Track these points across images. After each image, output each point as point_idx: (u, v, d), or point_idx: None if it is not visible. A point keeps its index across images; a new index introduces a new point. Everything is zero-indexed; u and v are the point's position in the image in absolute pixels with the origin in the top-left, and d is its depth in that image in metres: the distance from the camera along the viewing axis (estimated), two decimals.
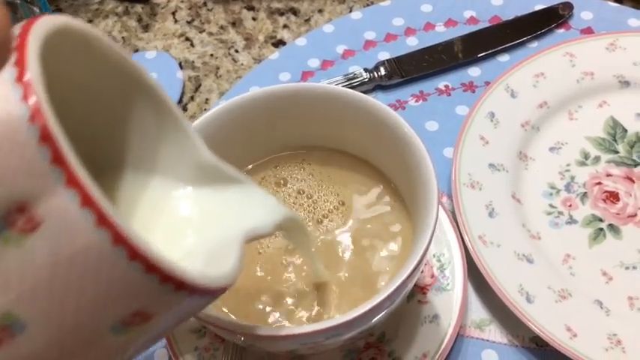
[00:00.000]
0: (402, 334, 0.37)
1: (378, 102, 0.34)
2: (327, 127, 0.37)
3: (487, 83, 0.49)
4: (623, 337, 0.36)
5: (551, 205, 0.42)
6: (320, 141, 0.38)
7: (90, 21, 0.58)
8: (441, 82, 0.50)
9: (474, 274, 0.39)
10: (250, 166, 0.38)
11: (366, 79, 0.49)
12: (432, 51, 0.51)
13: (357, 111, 0.34)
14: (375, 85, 0.50)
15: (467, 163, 0.42)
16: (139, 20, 0.58)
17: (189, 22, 0.57)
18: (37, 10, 0.43)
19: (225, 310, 0.33)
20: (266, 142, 0.38)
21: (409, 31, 0.53)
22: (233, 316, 0.33)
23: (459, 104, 0.48)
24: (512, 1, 0.53)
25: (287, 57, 0.52)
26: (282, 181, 0.38)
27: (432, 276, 0.39)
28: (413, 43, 0.52)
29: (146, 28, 0.57)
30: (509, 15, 0.53)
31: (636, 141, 0.43)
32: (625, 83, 0.46)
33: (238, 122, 0.36)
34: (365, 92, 0.49)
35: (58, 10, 0.59)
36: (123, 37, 0.57)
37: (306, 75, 0.51)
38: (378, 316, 0.30)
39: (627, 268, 0.39)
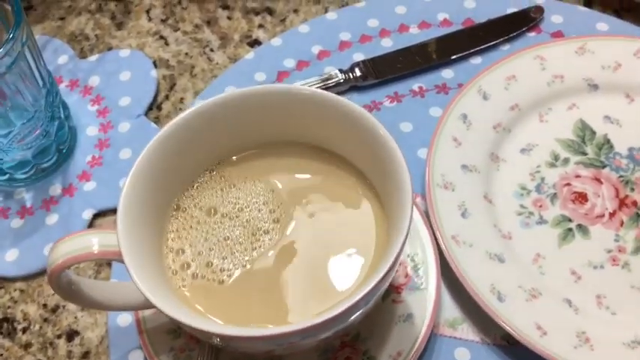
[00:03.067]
0: (376, 333, 0.38)
1: (356, 105, 0.34)
2: (304, 126, 0.37)
3: (460, 85, 0.50)
4: (591, 335, 0.37)
5: (522, 206, 0.42)
6: (296, 137, 0.38)
7: (62, 18, 0.57)
8: (415, 84, 0.50)
9: (447, 274, 0.40)
10: (235, 158, 0.39)
11: (342, 80, 0.49)
12: (406, 53, 0.51)
13: (334, 113, 0.35)
14: (350, 86, 0.50)
15: (440, 164, 0.43)
16: (113, 18, 0.57)
17: (163, 21, 0.57)
18: (8, 7, 0.42)
19: (199, 308, 0.33)
20: (242, 139, 0.38)
21: (384, 33, 0.53)
22: (209, 316, 0.33)
23: (432, 106, 0.49)
24: (484, 5, 0.54)
25: (262, 57, 0.53)
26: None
27: (406, 275, 0.39)
28: (387, 45, 0.53)
29: (120, 26, 0.57)
30: (481, 18, 0.53)
31: (604, 143, 0.45)
32: (594, 86, 0.47)
33: (215, 121, 0.36)
34: (340, 93, 0.49)
35: (30, 7, 0.58)
36: (96, 35, 0.56)
37: (281, 75, 0.51)
38: (354, 316, 0.31)
39: (595, 267, 0.40)
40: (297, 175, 0.38)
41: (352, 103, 0.34)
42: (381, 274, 0.29)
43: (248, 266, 0.34)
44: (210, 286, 0.34)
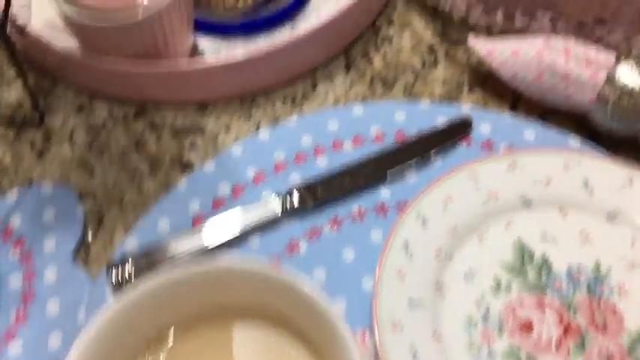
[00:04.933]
0: None
1: (306, 285, 0.33)
2: (252, 299, 0.36)
3: (398, 204, 0.49)
4: None
5: (470, 340, 0.42)
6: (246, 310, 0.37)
7: None
8: (355, 204, 0.50)
9: None
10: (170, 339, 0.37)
11: (279, 208, 0.48)
12: (343, 174, 0.51)
13: (279, 288, 0.34)
14: (289, 212, 0.49)
15: (387, 301, 0.42)
16: (32, 147, 0.54)
17: (88, 145, 0.54)
18: None
19: None
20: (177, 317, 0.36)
21: (318, 150, 0.53)
22: None
23: (372, 228, 0.48)
24: (414, 116, 0.55)
25: (196, 184, 0.51)
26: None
27: None
28: (323, 163, 0.52)
29: (40, 154, 0.54)
30: (412, 129, 0.54)
31: (542, 264, 0.45)
32: (527, 202, 0.48)
33: (155, 301, 0.34)
34: (279, 220, 0.48)
35: None
36: (15, 167, 0.53)
37: (216, 204, 0.50)
38: None
39: None
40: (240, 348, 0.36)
41: (298, 278, 0.33)
42: None
43: None
44: None
